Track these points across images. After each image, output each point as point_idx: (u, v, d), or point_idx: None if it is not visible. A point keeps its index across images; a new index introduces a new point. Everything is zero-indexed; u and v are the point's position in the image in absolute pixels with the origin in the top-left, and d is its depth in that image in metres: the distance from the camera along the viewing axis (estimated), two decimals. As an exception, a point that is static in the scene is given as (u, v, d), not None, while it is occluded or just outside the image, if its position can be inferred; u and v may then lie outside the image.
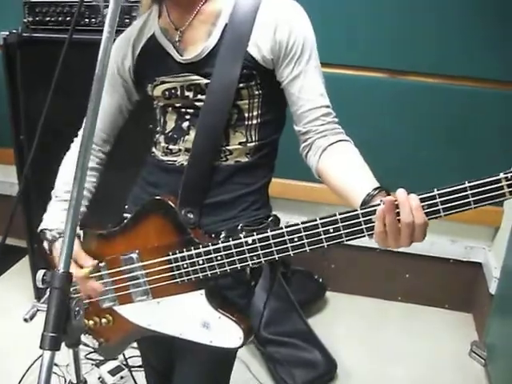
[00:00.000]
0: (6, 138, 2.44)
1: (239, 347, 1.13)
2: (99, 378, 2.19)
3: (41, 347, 0.79)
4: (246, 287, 1.20)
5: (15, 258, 3.03)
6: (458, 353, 2.49)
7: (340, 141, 1.13)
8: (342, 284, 2.90)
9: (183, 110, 1.19)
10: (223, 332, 1.12)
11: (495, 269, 2.48)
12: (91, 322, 1.27)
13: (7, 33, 2.17)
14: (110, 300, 1.24)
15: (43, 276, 1.16)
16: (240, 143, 1.17)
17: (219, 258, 1.06)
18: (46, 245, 1.22)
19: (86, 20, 2.13)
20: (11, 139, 2.36)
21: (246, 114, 1.16)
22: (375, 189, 0.98)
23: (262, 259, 1.02)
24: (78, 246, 1.21)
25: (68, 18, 2.16)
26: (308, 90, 1.14)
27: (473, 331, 2.67)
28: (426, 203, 0.88)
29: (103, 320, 1.26)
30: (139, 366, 2.12)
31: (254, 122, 1.17)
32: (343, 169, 1.09)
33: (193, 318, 1.13)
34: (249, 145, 1.18)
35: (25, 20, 2.20)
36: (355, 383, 2.31)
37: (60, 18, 2.17)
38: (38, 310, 1.19)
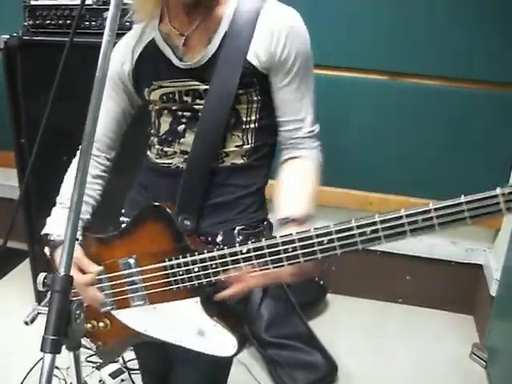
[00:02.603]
0: (6, 141, 2.44)
1: (233, 356, 1.13)
2: (100, 381, 2.18)
3: (41, 350, 0.79)
4: None
5: (16, 260, 3.03)
6: (459, 355, 2.49)
7: (298, 157, 1.19)
8: (342, 286, 2.90)
9: (180, 112, 1.19)
10: (217, 340, 1.12)
11: (496, 270, 2.47)
12: (89, 326, 1.27)
13: (8, 36, 2.18)
14: (108, 304, 1.24)
15: (44, 279, 1.16)
16: (236, 146, 1.18)
17: (214, 266, 1.06)
18: (47, 249, 1.23)
19: (87, 23, 2.13)
20: (12, 142, 2.36)
21: (244, 119, 1.17)
22: (286, 218, 1.07)
23: (257, 268, 1.02)
24: (80, 252, 1.21)
25: (68, 22, 2.15)
26: (288, 102, 1.17)
27: (473, 333, 2.66)
28: (421, 217, 0.87)
29: (101, 324, 1.26)
30: (138, 369, 2.12)
31: (252, 126, 1.18)
32: (283, 187, 1.15)
33: (188, 325, 1.13)
34: (244, 147, 1.19)
35: (25, 23, 2.20)
36: (356, 385, 2.31)
37: (60, 22, 2.16)
38: (38, 313, 1.19)
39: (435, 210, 0.85)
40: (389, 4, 2.40)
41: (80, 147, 1.30)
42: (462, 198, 0.83)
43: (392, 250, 2.77)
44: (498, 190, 0.81)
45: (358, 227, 0.91)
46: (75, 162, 1.30)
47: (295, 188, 1.14)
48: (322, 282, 2.83)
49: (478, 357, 2.43)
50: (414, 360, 2.45)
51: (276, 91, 1.16)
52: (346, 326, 2.67)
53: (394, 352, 2.50)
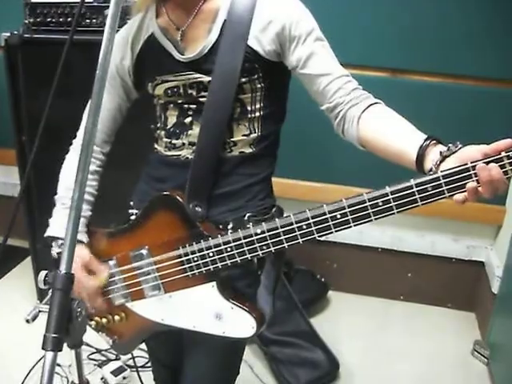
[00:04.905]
0: (7, 138, 2.45)
1: (252, 336, 1.13)
2: (102, 379, 2.19)
3: (43, 348, 0.79)
4: (253, 277, 1.21)
5: (17, 258, 3.04)
6: (461, 352, 2.49)
7: (371, 105, 1.11)
8: (344, 283, 2.90)
9: (186, 105, 1.20)
10: (236, 322, 1.13)
11: (498, 268, 2.47)
12: (104, 320, 1.28)
13: (8, 34, 2.18)
14: (123, 297, 1.25)
15: (45, 277, 1.16)
16: (243, 135, 1.18)
17: (229, 249, 1.08)
18: (54, 252, 1.23)
19: (87, 20, 2.13)
20: (13, 140, 2.36)
21: (249, 108, 1.17)
22: (426, 139, 0.97)
23: (272, 248, 1.04)
24: (87, 253, 1.22)
25: (69, 19, 2.16)
26: (322, 65, 1.13)
27: (475, 330, 2.67)
28: (431, 185, 0.88)
29: (116, 317, 1.27)
30: (142, 366, 2.13)
31: (257, 114, 1.18)
32: (385, 130, 1.07)
33: (205, 310, 1.15)
34: (252, 136, 1.19)
35: (26, 21, 2.20)
36: (358, 383, 2.30)
37: (61, 19, 2.17)
38: (40, 311, 1.19)
39: (443, 177, 0.87)
40: (390, 0, 2.39)
41: (74, 144, 1.32)
42: (469, 164, 0.85)
43: (393, 247, 2.77)
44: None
45: (370, 200, 0.93)
46: (69, 158, 1.30)
47: (404, 121, 1.06)
48: (323, 279, 2.83)
49: (480, 354, 2.43)
50: (416, 357, 2.45)
51: (304, 64, 1.13)
52: (347, 323, 2.68)
53: (396, 349, 2.50)
